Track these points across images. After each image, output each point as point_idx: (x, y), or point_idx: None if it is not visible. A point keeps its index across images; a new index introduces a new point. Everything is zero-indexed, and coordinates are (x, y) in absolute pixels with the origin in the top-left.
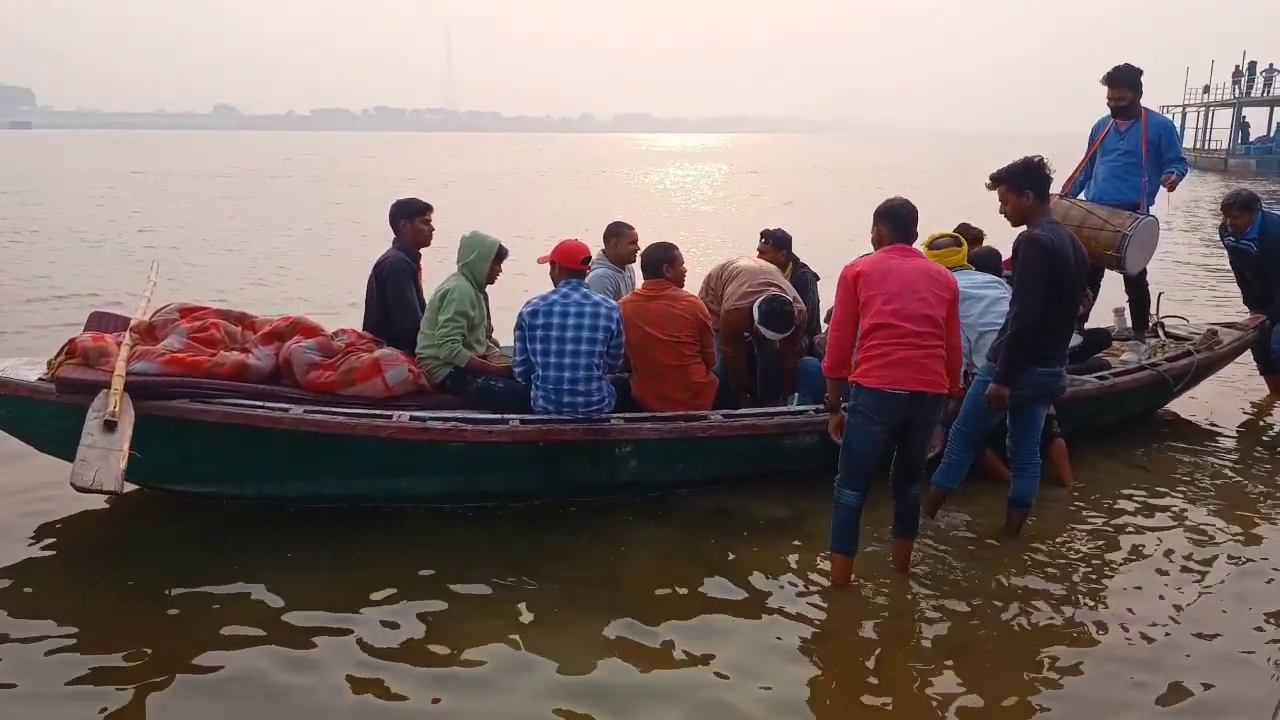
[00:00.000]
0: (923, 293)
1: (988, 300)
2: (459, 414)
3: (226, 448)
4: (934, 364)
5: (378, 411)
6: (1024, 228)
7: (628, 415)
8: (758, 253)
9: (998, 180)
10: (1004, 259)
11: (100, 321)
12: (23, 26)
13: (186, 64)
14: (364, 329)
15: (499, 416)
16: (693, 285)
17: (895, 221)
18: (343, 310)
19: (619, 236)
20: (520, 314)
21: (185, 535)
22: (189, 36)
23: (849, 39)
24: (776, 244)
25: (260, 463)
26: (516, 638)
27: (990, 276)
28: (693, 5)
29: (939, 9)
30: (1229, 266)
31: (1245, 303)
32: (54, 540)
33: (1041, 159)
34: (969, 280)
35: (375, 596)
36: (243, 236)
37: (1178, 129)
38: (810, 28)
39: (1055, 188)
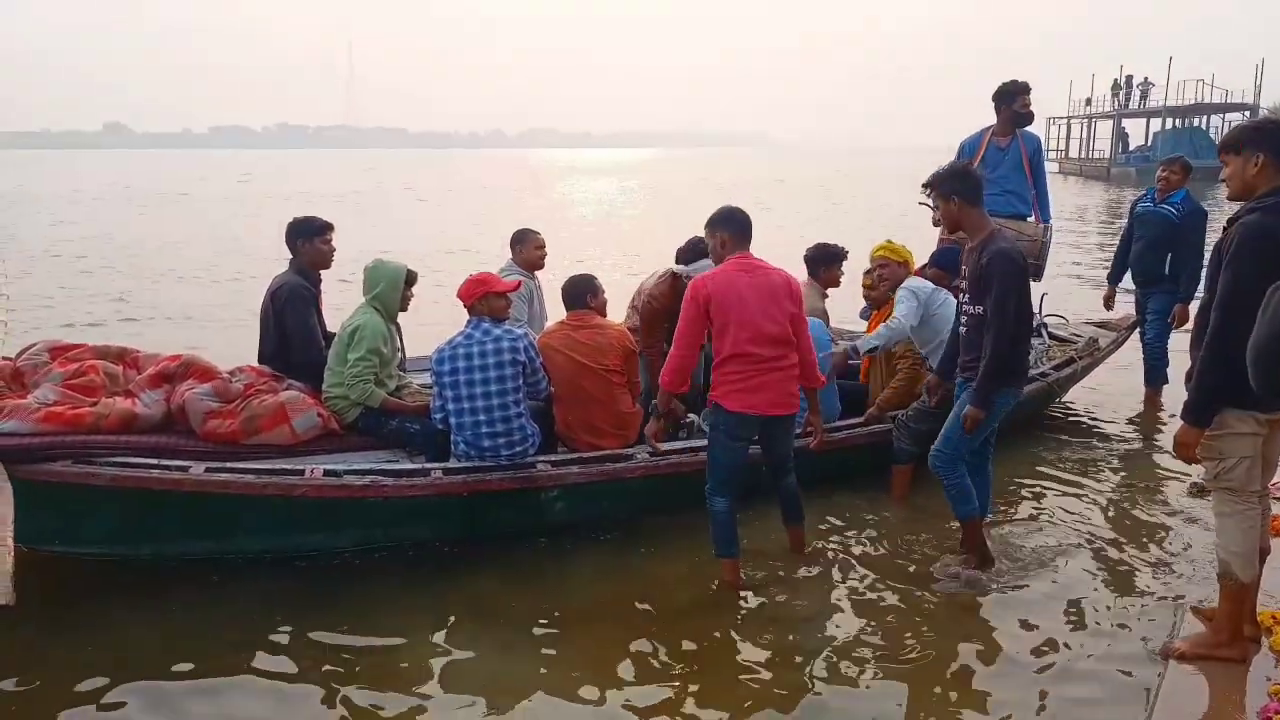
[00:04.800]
0: (773, 312)
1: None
2: (376, 466)
3: (118, 511)
4: (789, 385)
5: (288, 466)
6: (960, 235)
7: (554, 459)
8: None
9: (926, 187)
10: (917, 267)
11: None
12: None
13: (71, 80)
14: (259, 359)
15: (420, 467)
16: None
17: (735, 227)
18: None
19: (523, 243)
20: (430, 363)
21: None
22: (74, 52)
23: (761, 55)
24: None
25: (158, 524)
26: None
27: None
28: (604, 20)
29: (856, 26)
30: (1111, 255)
31: (1109, 279)
32: None
33: (967, 164)
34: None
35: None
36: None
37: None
38: (724, 44)
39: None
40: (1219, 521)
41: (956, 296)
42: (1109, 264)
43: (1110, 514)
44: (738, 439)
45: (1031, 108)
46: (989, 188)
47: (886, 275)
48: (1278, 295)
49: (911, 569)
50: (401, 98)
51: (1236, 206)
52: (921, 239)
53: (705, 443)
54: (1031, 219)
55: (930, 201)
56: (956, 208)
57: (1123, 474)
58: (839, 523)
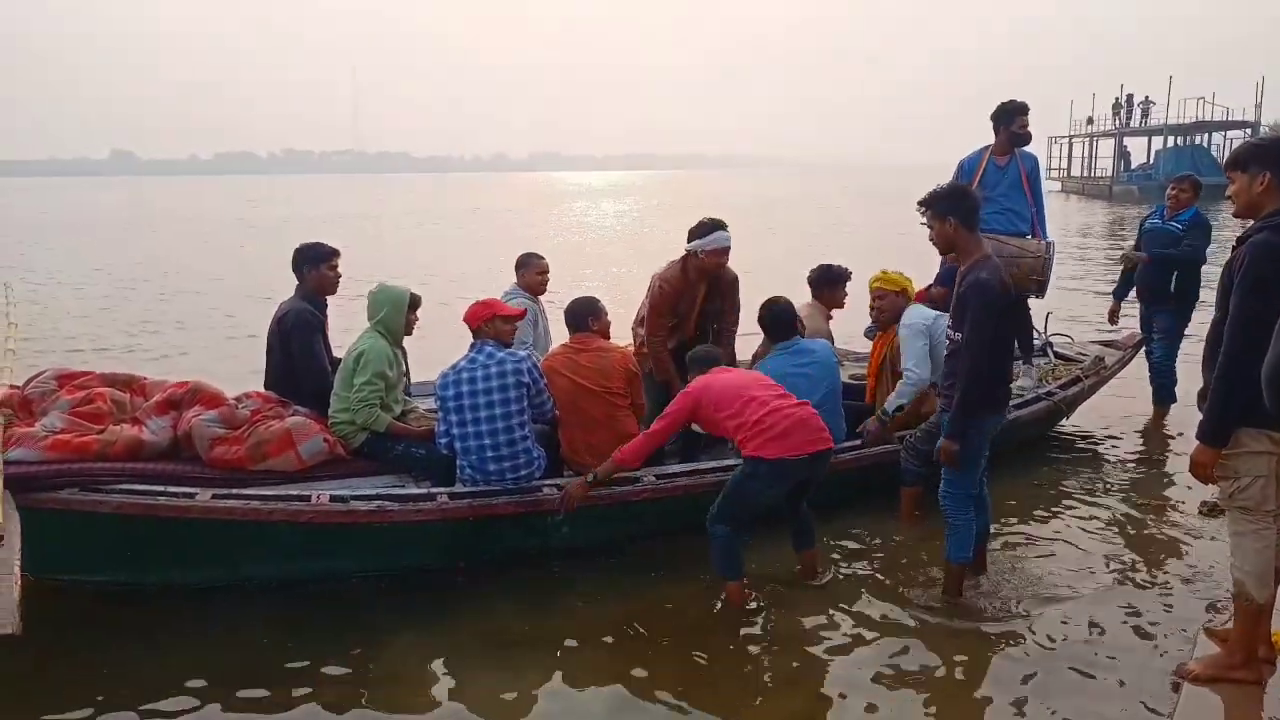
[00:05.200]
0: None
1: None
2: (382, 491)
3: (125, 538)
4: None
5: (295, 492)
6: (951, 256)
7: (560, 482)
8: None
9: (922, 205)
10: (919, 290)
11: None
12: None
13: (80, 109)
14: (266, 385)
15: (425, 492)
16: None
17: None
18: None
19: (527, 267)
20: (435, 387)
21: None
22: (82, 81)
23: (770, 74)
24: None
25: (165, 552)
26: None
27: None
28: (610, 43)
29: (865, 48)
30: (1117, 276)
31: (1115, 294)
32: None
33: (966, 186)
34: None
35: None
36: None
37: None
38: (732, 65)
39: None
40: (1234, 541)
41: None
42: (1113, 282)
43: (1121, 534)
44: (776, 486)
45: (1030, 128)
46: (988, 206)
47: (885, 306)
48: None
49: (919, 591)
50: (406, 122)
51: (1241, 224)
52: (924, 257)
53: (707, 465)
54: (1031, 237)
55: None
56: (952, 229)
57: (1132, 493)
58: (848, 545)
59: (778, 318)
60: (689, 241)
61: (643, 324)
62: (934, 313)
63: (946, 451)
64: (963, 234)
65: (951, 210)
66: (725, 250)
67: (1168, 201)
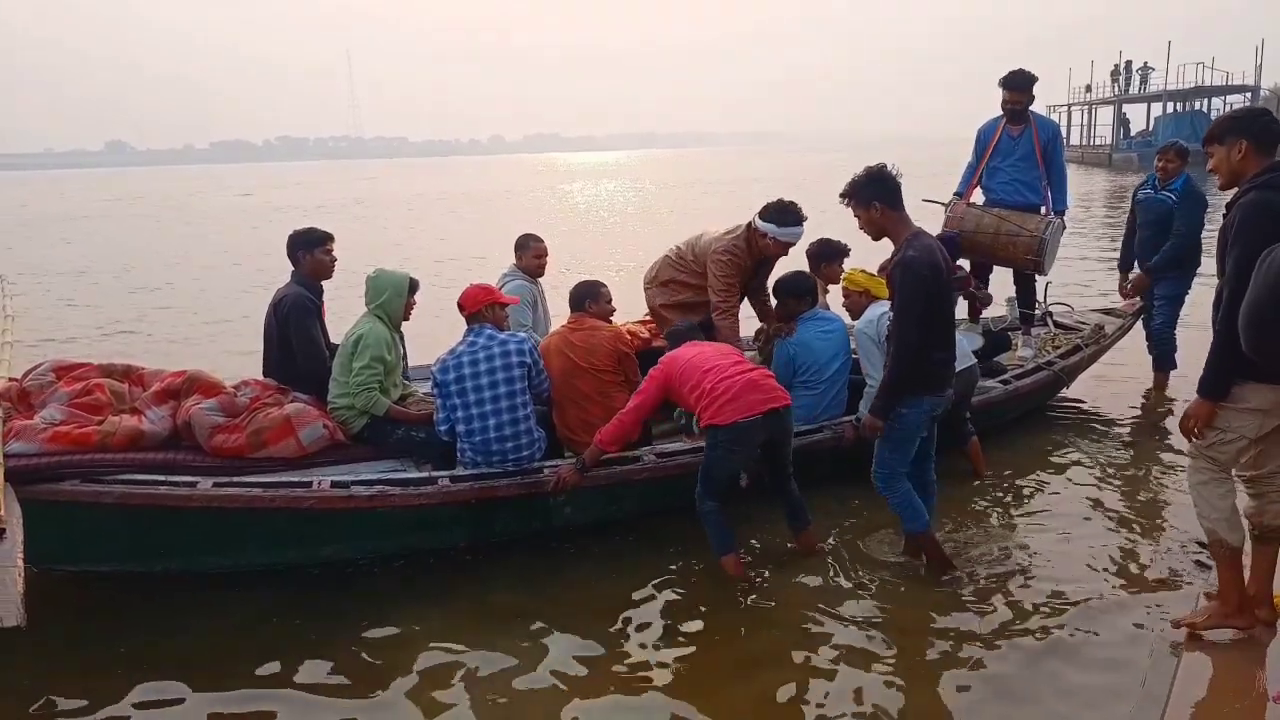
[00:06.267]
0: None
1: None
2: (383, 476)
3: (128, 528)
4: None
5: (296, 479)
6: (886, 241)
7: (561, 463)
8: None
9: (844, 197)
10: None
11: None
12: None
13: (74, 101)
14: (264, 372)
15: (427, 476)
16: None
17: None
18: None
19: (524, 250)
20: (432, 374)
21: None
22: (74, 74)
23: (771, 50)
24: None
25: (168, 541)
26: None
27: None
28: (607, 23)
29: (863, 19)
30: (1118, 248)
31: (1120, 268)
32: None
33: (882, 167)
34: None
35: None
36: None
37: (1063, 133)
38: (729, 42)
39: (946, 195)
40: (1197, 492)
41: (956, 286)
42: (1114, 250)
43: (1121, 501)
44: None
45: (1019, 105)
46: (997, 176)
47: (850, 306)
48: (1270, 258)
49: (920, 564)
50: (402, 107)
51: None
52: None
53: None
54: (1044, 209)
55: (935, 198)
56: (879, 214)
57: (1133, 461)
58: (849, 521)
59: (809, 288)
60: (763, 220)
61: (655, 282)
62: (884, 308)
63: (870, 427)
64: (890, 216)
65: (875, 196)
66: (794, 244)
67: (1157, 173)
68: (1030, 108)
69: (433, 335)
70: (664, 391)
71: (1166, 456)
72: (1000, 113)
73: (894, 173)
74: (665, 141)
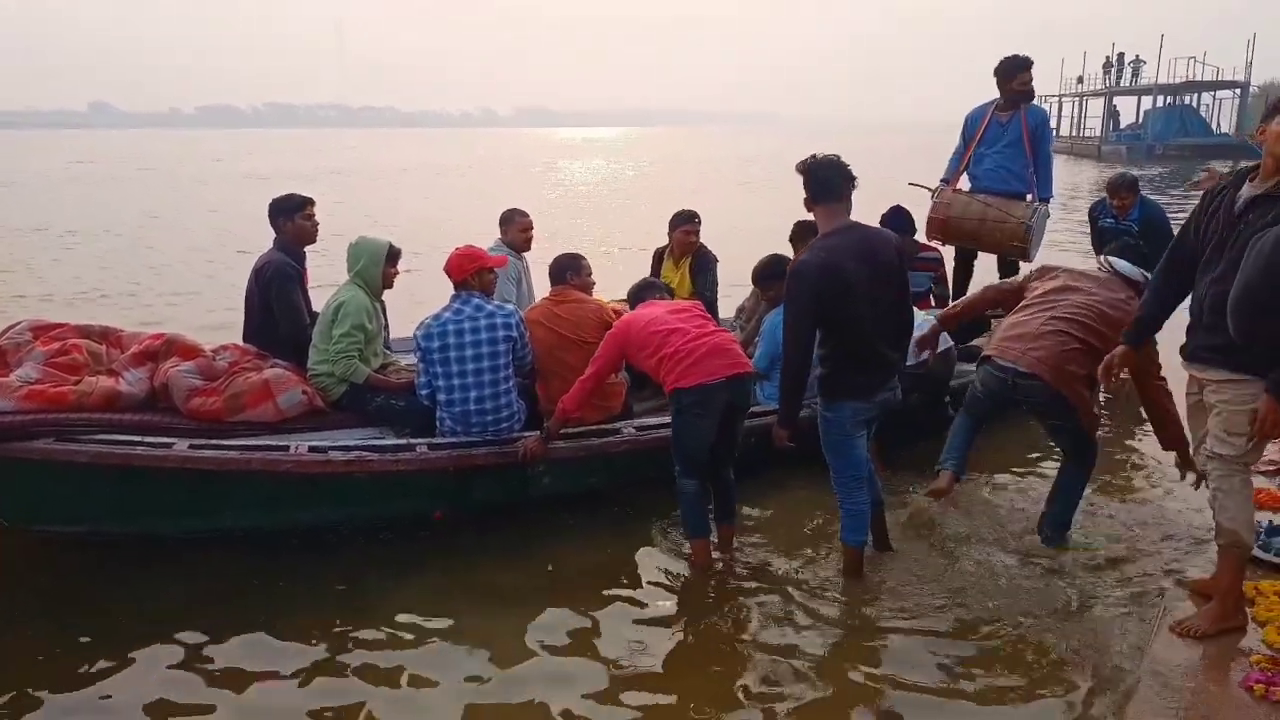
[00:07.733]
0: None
1: None
2: (361, 441)
3: (103, 488)
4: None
5: (273, 442)
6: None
7: (540, 434)
8: (686, 234)
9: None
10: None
11: None
12: None
13: (58, 61)
14: (244, 338)
15: (405, 443)
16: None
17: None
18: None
19: (510, 223)
20: (415, 338)
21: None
22: (57, 34)
23: (767, 31)
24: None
25: (143, 501)
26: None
27: None
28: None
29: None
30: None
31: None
32: None
33: (812, 159)
34: None
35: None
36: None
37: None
38: (726, 19)
39: (933, 179)
40: (1227, 496)
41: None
42: (1085, 245)
43: (1104, 491)
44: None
45: (1032, 85)
46: (984, 163)
47: None
48: (1262, 241)
49: (899, 552)
50: (392, 77)
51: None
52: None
53: None
54: (1030, 196)
55: (922, 182)
56: (807, 206)
57: (1111, 447)
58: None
59: (785, 269)
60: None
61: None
62: None
63: (777, 438)
64: (813, 209)
65: (805, 186)
66: None
67: (1113, 209)
68: None
69: (420, 305)
70: (621, 354)
71: (1150, 447)
72: (990, 100)
73: (828, 162)
74: (659, 119)
